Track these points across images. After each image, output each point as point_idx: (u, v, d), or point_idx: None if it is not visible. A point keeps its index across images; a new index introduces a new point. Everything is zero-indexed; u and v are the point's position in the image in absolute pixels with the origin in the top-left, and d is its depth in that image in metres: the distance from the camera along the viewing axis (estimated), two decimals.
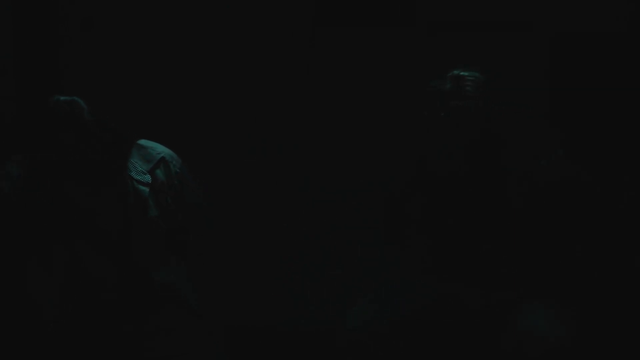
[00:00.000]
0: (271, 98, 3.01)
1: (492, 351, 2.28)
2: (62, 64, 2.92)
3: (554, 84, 2.82)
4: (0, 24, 2.92)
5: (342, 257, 2.93)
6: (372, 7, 2.95)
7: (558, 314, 2.25)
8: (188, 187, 2.46)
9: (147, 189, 2.34)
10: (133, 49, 2.96)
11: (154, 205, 2.36)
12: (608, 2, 2.78)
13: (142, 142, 2.42)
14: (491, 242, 2.35)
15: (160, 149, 2.44)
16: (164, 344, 2.26)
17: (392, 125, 2.90)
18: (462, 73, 2.35)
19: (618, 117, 2.77)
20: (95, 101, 2.35)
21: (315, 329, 2.76)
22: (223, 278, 2.87)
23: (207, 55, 3.00)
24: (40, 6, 2.93)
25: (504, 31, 2.85)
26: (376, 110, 2.94)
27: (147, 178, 2.36)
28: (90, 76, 2.92)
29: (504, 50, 2.81)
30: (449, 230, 2.39)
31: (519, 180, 2.37)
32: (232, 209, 2.96)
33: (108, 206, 2.33)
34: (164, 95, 2.99)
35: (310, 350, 2.80)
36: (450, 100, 2.33)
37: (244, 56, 3.00)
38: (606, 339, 2.39)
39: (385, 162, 2.83)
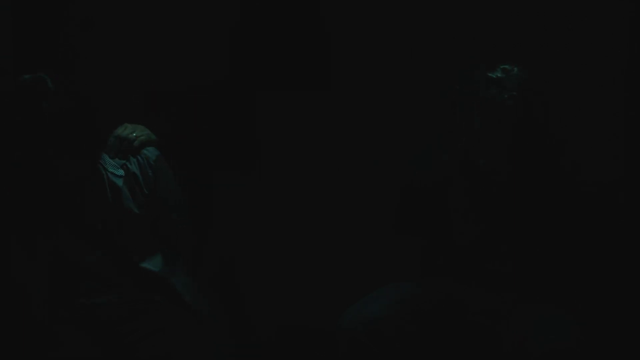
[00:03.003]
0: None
1: (494, 352, 2.28)
2: (62, 64, 2.92)
3: None
4: (0, 24, 2.92)
5: (344, 256, 2.93)
6: None
7: (563, 317, 2.25)
8: (163, 179, 2.47)
9: (121, 181, 2.38)
10: (132, 49, 2.96)
11: (130, 197, 2.39)
12: None
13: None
14: (511, 244, 2.35)
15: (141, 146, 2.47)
16: (159, 342, 2.25)
17: (397, 122, 2.90)
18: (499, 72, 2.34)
19: None
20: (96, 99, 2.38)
21: (315, 329, 2.75)
22: (223, 277, 2.87)
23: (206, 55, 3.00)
24: (40, 6, 2.93)
25: None
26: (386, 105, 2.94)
27: (121, 171, 2.40)
28: (91, 76, 2.92)
29: None
30: (473, 226, 2.38)
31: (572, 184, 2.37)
32: (230, 205, 2.97)
33: (90, 197, 2.36)
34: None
35: (310, 350, 2.80)
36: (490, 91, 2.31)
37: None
38: (610, 343, 2.39)
39: (389, 159, 2.83)
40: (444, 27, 2.85)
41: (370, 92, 2.93)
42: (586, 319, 2.30)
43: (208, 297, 2.48)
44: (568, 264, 2.34)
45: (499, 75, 2.32)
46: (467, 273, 2.39)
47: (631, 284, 2.49)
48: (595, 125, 2.72)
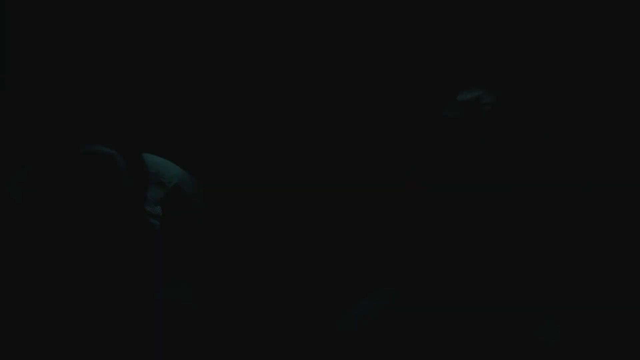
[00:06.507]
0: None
1: (493, 352, 2.28)
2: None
3: None
4: None
5: (343, 256, 2.93)
6: None
7: (559, 317, 2.26)
8: (196, 207, 2.39)
9: (157, 222, 2.20)
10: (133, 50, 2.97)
11: (165, 235, 2.23)
12: None
13: (153, 159, 2.26)
14: (500, 249, 2.35)
15: (173, 172, 2.32)
16: (159, 341, 2.25)
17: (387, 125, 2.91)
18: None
19: None
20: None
21: (314, 329, 2.76)
22: (222, 277, 2.87)
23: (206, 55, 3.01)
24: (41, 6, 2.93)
25: None
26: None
27: (158, 210, 2.22)
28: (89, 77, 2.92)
29: None
30: (461, 237, 2.39)
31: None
32: (228, 207, 2.97)
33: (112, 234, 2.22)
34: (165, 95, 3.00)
35: (309, 350, 2.80)
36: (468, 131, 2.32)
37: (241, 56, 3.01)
38: (605, 346, 2.39)
39: (389, 158, 2.84)
40: (442, 28, 2.87)
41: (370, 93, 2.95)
42: (580, 318, 2.30)
43: (207, 296, 2.48)
44: (559, 264, 2.35)
45: (464, 99, 2.33)
46: (464, 273, 2.40)
47: (628, 283, 2.50)
48: (595, 125, 2.72)
